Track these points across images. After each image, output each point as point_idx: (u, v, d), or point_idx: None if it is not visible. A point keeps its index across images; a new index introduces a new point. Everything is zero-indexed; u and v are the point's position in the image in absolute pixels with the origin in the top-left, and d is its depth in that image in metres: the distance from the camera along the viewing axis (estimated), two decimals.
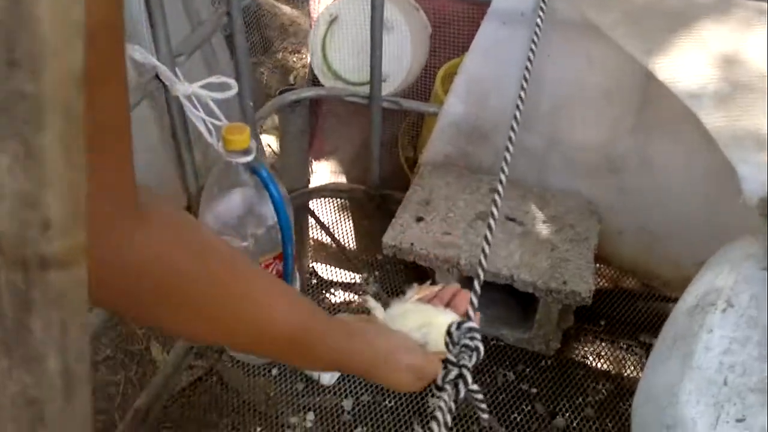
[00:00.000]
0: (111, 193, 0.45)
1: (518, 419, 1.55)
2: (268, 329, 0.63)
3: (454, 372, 0.76)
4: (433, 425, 0.65)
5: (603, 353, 1.70)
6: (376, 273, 1.90)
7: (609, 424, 1.54)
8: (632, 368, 1.68)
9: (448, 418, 0.69)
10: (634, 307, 1.83)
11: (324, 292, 1.84)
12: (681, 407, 0.98)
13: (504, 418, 1.54)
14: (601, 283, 1.88)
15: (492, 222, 1.10)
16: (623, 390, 1.63)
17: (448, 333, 0.85)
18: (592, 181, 1.74)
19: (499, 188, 1.16)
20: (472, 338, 0.83)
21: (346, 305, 1.78)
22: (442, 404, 0.71)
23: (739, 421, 0.95)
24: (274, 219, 1.29)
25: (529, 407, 1.57)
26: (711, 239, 1.26)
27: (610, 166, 1.70)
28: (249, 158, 1.23)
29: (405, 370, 0.77)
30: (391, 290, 1.86)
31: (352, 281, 1.89)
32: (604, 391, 1.62)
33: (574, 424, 1.54)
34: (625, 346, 1.72)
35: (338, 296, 1.82)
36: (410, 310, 0.85)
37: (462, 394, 0.75)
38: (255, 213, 1.32)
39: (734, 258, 1.13)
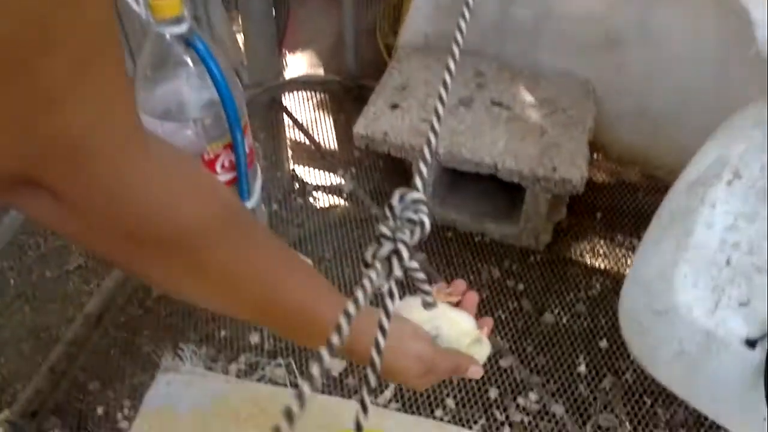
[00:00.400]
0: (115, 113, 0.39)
1: (503, 317, 1.44)
2: (274, 303, 0.59)
3: (388, 247, 0.62)
4: (349, 305, 0.52)
5: (598, 249, 1.57)
6: (352, 170, 1.76)
7: (602, 320, 1.43)
8: (631, 265, 1.56)
9: (362, 297, 0.56)
10: (634, 199, 1.68)
11: (307, 196, 1.71)
12: (674, 292, 0.85)
13: (488, 316, 1.43)
14: (598, 175, 1.73)
15: (439, 106, 0.93)
16: (620, 286, 1.51)
17: (389, 206, 0.70)
18: (587, 59, 1.56)
19: (451, 65, 0.99)
20: (417, 210, 0.69)
21: (332, 209, 1.65)
22: (366, 282, 0.58)
23: (742, 305, 0.83)
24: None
25: (515, 304, 1.46)
26: (721, 119, 1.10)
27: (608, 40, 1.51)
28: (182, 28, 1.06)
29: (414, 358, 0.71)
30: (368, 188, 1.72)
31: (337, 183, 1.75)
32: (597, 286, 1.50)
33: (564, 321, 1.43)
34: (623, 242, 1.59)
35: (321, 200, 1.69)
36: (419, 305, 0.78)
37: (397, 272, 0.62)
38: (198, 95, 1.16)
39: (743, 125, 0.97)
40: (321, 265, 1.55)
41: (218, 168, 1.26)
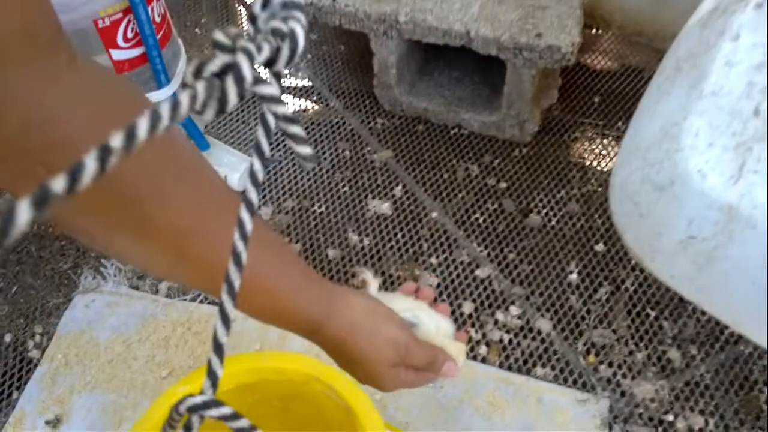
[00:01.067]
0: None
1: (482, 220, 1.21)
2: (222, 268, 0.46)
3: (220, 60, 0.38)
4: (162, 110, 0.31)
5: (595, 139, 1.33)
6: (309, 56, 1.51)
7: (598, 221, 1.20)
8: None
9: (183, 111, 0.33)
10: (637, 81, 1.42)
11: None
12: (683, 156, 0.62)
13: (463, 220, 1.21)
14: (595, 54, 1.47)
15: None
16: None
17: (250, 16, 0.46)
18: None
19: None
20: (286, 18, 0.45)
21: (306, 114, 1.40)
22: (184, 98, 0.35)
23: None
24: None
25: (495, 205, 1.23)
26: None
27: None
28: None
29: (388, 341, 0.62)
30: (324, 76, 1.47)
31: (302, 83, 1.50)
32: (593, 182, 1.26)
33: (553, 222, 1.21)
34: (624, 130, 1.34)
35: (294, 105, 1.44)
36: (399, 296, 0.73)
37: (231, 97, 0.38)
38: None
39: None
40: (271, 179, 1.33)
41: (120, 40, 1.02)
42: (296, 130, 0.43)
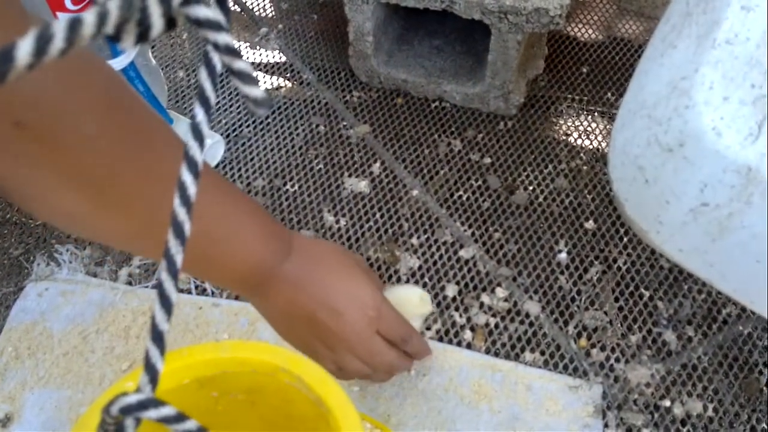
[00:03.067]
0: None
1: (465, 197, 1.14)
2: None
3: None
4: (54, 29, 0.22)
5: (584, 110, 1.26)
6: (280, 26, 1.42)
7: (588, 197, 1.14)
8: None
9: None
10: (630, 49, 1.36)
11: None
12: (694, 113, 0.55)
13: (445, 198, 1.14)
14: (585, 22, 1.40)
15: None
16: None
17: None
18: None
19: None
20: None
21: (277, 88, 1.31)
22: (90, 16, 0.27)
23: None
24: None
25: (479, 182, 1.16)
26: None
27: None
28: None
29: (357, 295, 0.54)
30: (297, 48, 1.39)
31: (259, 41, 1.40)
32: (583, 156, 1.20)
33: (540, 199, 1.14)
34: (615, 102, 1.27)
35: (264, 79, 1.35)
36: None
37: (155, 14, 0.30)
38: None
39: None
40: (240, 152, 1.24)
41: (68, 2, 0.93)
42: (242, 65, 0.35)
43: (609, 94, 1.28)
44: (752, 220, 0.54)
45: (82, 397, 0.97)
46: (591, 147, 1.21)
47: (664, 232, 0.60)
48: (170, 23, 0.33)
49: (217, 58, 0.36)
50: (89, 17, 0.29)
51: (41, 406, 0.96)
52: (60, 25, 0.27)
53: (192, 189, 0.40)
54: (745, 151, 0.52)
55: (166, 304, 0.39)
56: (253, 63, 1.38)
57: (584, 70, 1.31)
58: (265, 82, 1.34)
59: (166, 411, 0.39)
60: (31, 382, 0.98)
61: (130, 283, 1.07)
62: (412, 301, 0.83)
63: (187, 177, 0.39)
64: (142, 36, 0.32)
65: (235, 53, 0.35)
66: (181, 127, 1.19)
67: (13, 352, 1.01)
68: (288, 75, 1.35)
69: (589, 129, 1.23)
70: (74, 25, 0.28)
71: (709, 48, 0.56)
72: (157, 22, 0.31)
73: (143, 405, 0.38)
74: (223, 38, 0.34)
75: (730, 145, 0.53)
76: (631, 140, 0.61)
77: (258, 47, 1.40)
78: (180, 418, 0.40)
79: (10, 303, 1.06)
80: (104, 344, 1.02)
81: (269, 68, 1.37)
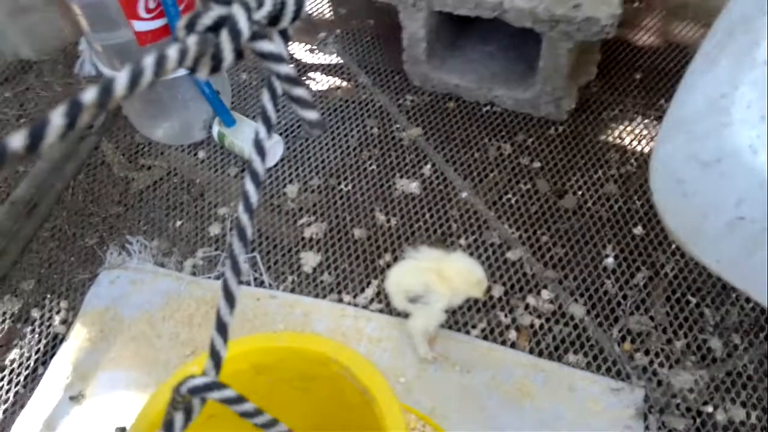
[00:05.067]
0: None
1: (514, 201, 1.17)
2: None
3: (216, 12, 0.35)
4: (144, 64, 0.28)
5: (635, 117, 1.26)
6: (337, 31, 1.47)
7: (637, 203, 1.15)
8: None
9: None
10: (682, 57, 1.35)
11: (304, 77, 1.42)
12: (732, 130, 0.57)
13: (494, 201, 1.17)
14: (638, 29, 1.40)
15: None
16: None
17: None
18: None
19: None
20: None
21: (334, 90, 1.37)
22: (173, 52, 0.33)
23: None
24: None
25: (529, 185, 1.19)
26: None
27: None
28: None
29: None
30: (353, 52, 1.43)
31: (319, 46, 1.46)
32: (633, 162, 1.20)
33: (589, 204, 1.15)
34: (667, 107, 1.27)
35: (321, 82, 1.40)
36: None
37: (227, 55, 0.35)
38: None
39: None
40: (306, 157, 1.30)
41: (141, 11, 1.00)
42: (300, 92, 0.40)
43: (662, 101, 1.28)
44: None
45: (148, 379, 1.04)
46: (642, 153, 1.21)
47: (702, 243, 0.63)
48: (239, 55, 0.38)
49: (278, 84, 0.41)
50: (172, 53, 0.34)
51: (112, 385, 1.04)
52: (149, 60, 0.33)
53: (254, 198, 0.45)
54: None
55: (230, 299, 0.45)
56: (311, 65, 1.43)
57: (637, 76, 1.32)
58: (322, 84, 1.39)
59: (228, 393, 0.44)
60: (103, 363, 1.07)
61: (194, 274, 1.15)
62: (471, 278, 0.92)
63: (250, 187, 0.45)
64: (215, 68, 0.37)
65: (295, 81, 0.40)
66: (243, 126, 1.26)
67: (88, 335, 1.10)
68: (344, 77, 1.40)
69: (640, 135, 1.24)
70: (160, 61, 0.33)
71: (748, 67, 0.58)
72: (228, 56, 0.36)
73: (208, 387, 0.44)
74: (284, 69, 0.39)
75: (766, 162, 0.55)
76: (672, 155, 0.63)
77: (317, 51, 1.46)
78: (240, 400, 0.45)
79: (85, 289, 1.14)
80: (170, 330, 1.09)
81: (327, 70, 1.42)
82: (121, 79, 0.31)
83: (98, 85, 0.29)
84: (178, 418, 0.43)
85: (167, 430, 0.42)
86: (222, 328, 0.43)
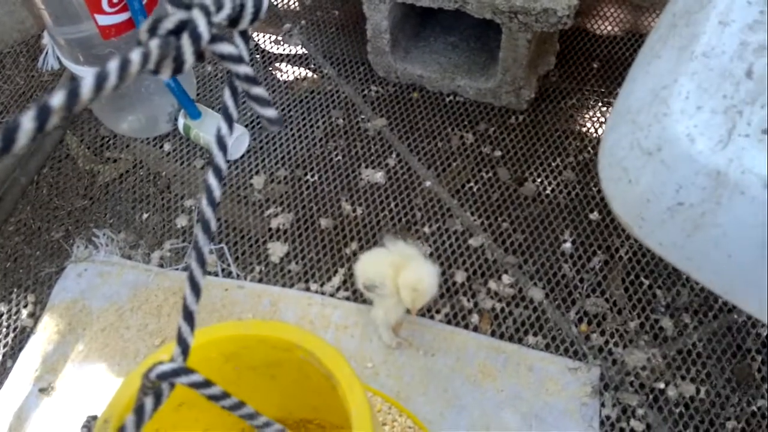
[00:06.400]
0: None
1: (476, 189, 1.20)
2: None
3: (177, 16, 0.37)
4: (109, 68, 0.30)
5: (593, 106, 1.30)
6: (302, 22, 1.48)
7: (594, 189, 1.19)
8: None
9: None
10: (640, 45, 1.39)
11: (270, 68, 1.43)
12: (671, 120, 0.60)
13: (457, 189, 1.20)
14: (596, 18, 1.43)
15: None
16: None
17: None
18: None
19: None
20: None
21: (299, 81, 1.38)
22: (136, 56, 0.34)
23: (765, 132, 0.58)
24: None
25: (490, 174, 1.22)
26: None
27: None
28: None
29: None
30: (318, 43, 1.45)
31: (283, 37, 1.47)
32: (590, 149, 1.25)
33: (548, 191, 1.19)
34: None
35: (287, 73, 1.41)
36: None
37: (187, 57, 0.37)
38: None
39: None
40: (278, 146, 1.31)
41: (105, 5, 1.00)
42: (259, 91, 0.42)
43: (619, 89, 1.32)
44: (722, 219, 0.59)
45: (118, 369, 1.06)
46: (599, 140, 1.25)
47: (646, 228, 0.66)
48: (200, 57, 0.40)
49: (237, 83, 0.43)
50: (135, 57, 0.36)
51: (82, 377, 1.05)
52: (113, 65, 0.34)
53: (217, 192, 0.47)
54: (715, 156, 0.58)
55: (195, 288, 0.47)
56: (276, 56, 1.44)
57: (595, 65, 1.36)
58: (287, 75, 1.41)
59: (195, 378, 0.46)
60: (72, 355, 1.07)
61: (161, 266, 1.16)
62: (412, 294, 0.92)
63: (213, 181, 0.47)
64: (177, 69, 0.39)
65: (253, 81, 0.42)
66: (209, 119, 1.26)
67: (56, 328, 1.10)
68: (309, 68, 1.41)
69: (598, 123, 1.28)
70: (124, 65, 0.35)
71: (687, 60, 0.61)
72: (189, 58, 0.38)
73: (176, 372, 0.46)
74: (243, 69, 0.41)
75: (702, 150, 0.58)
76: (617, 143, 0.67)
77: (281, 42, 1.47)
78: (207, 384, 0.47)
79: (53, 282, 1.15)
80: (138, 321, 1.10)
81: (292, 61, 1.43)
82: (87, 83, 0.33)
83: (65, 89, 0.30)
84: (148, 402, 0.45)
85: (138, 414, 0.44)
86: (188, 316, 0.45)
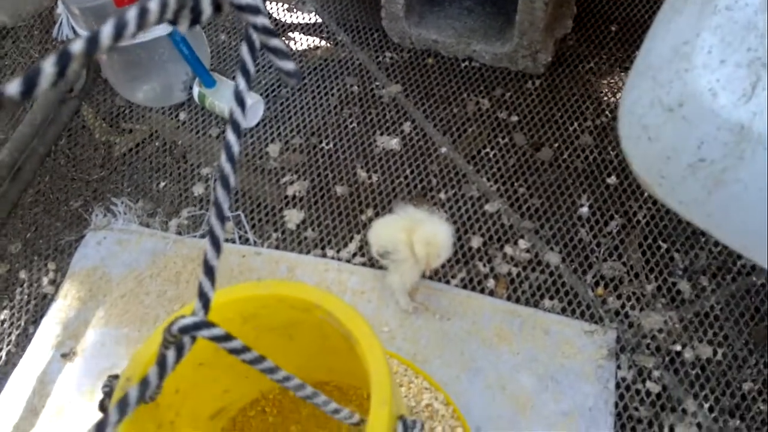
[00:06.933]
0: None
1: (492, 154, 1.19)
2: None
3: None
4: (128, 17, 0.30)
5: (611, 69, 1.28)
6: None
7: (611, 153, 1.18)
8: None
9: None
10: (658, 7, 1.36)
11: (283, 37, 1.42)
12: (694, 74, 0.59)
13: (473, 155, 1.19)
14: None
15: None
16: None
17: None
18: None
19: None
20: None
21: (313, 50, 1.37)
22: (154, 5, 0.34)
23: None
24: None
25: (506, 139, 1.21)
26: None
27: None
28: None
29: None
30: (332, 10, 1.43)
31: (309, 18, 1.46)
32: (608, 113, 1.23)
33: (565, 156, 1.18)
34: None
35: (300, 41, 1.40)
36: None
37: (206, 1, 0.37)
38: None
39: None
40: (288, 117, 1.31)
41: None
42: (277, 42, 0.41)
43: (636, 52, 1.30)
44: (744, 174, 0.59)
45: (138, 335, 1.07)
46: (616, 104, 1.24)
47: (666, 186, 0.65)
48: (217, 8, 0.40)
49: (255, 36, 0.43)
50: (153, 6, 0.36)
51: (102, 342, 1.07)
52: (131, 13, 0.34)
53: (236, 147, 0.47)
54: (738, 110, 0.57)
55: (216, 244, 0.47)
56: (289, 25, 1.43)
57: (613, 28, 1.33)
58: (301, 44, 1.40)
59: (217, 331, 0.47)
60: (93, 321, 1.09)
61: (179, 233, 1.17)
62: (432, 249, 0.92)
63: (232, 137, 0.47)
64: (195, 20, 0.39)
65: (271, 32, 0.41)
66: (223, 87, 1.26)
67: (76, 295, 1.12)
68: (323, 36, 1.40)
69: (615, 87, 1.26)
70: (142, 14, 0.35)
71: (710, 14, 0.60)
72: (207, 8, 0.38)
73: (198, 326, 0.46)
74: (261, 20, 0.41)
75: (725, 105, 0.57)
76: (638, 101, 0.66)
77: (295, 9, 1.45)
78: (228, 337, 0.48)
79: (72, 250, 1.16)
80: (157, 288, 1.12)
81: (305, 30, 1.42)
82: (107, 30, 0.33)
83: (85, 37, 0.30)
84: (170, 355, 0.45)
85: (161, 365, 0.45)
86: (209, 272, 0.45)
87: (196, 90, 1.27)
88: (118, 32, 0.33)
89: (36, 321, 1.09)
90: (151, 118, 1.32)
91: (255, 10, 0.39)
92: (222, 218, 0.47)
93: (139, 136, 1.30)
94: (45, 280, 1.14)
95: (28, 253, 1.17)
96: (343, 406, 0.58)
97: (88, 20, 1.13)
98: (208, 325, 0.46)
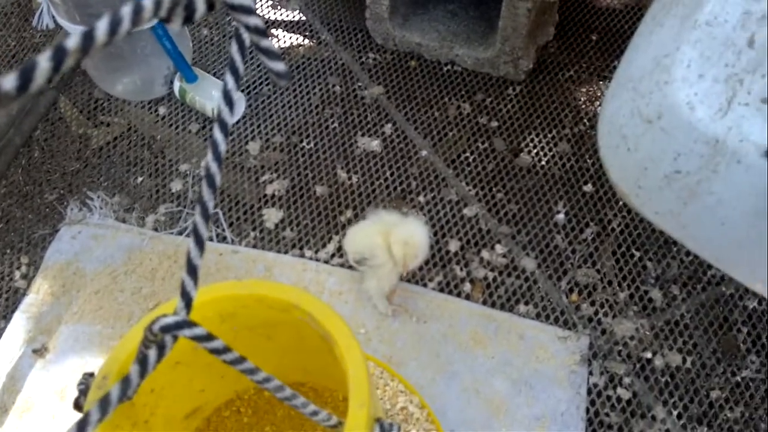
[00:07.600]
0: None
1: (470, 159, 1.20)
2: None
3: None
4: (122, 13, 0.29)
5: (590, 78, 1.30)
6: None
7: (588, 161, 1.19)
8: None
9: None
10: (639, 17, 1.39)
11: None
12: (672, 88, 0.61)
13: (452, 159, 1.20)
14: None
15: None
16: None
17: None
18: None
19: None
20: None
21: (296, 48, 1.36)
22: (148, 2, 0.34)
23: (765, 101, 0.58)
24: None
25: (486, 144, 1.22)
26: None
27: None
28: None
29: None
30: (316, 9, 1.43)
31: (293, 16, 1.45)
32: (586, 122, 1.25)
33: (543, 162, 1.20)
34: None
35: (284, 39, 1.39)
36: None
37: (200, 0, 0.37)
38: None
39: None
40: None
41: None
42: (268, 43, 0.42)
43: (616, 62, 1.32)
44: (718, 187, 0.60)
45: (112, 331, 1.06)
46: (595, 113, 1.26)
47: (643, 196, 0.67)
48: (210, 7, 0.40)
49: (246, 35, 0.43)
50: (148, 3, 0.36)
51: (75, 338, 1.05)
52: (126, 10, 0.34)
53: (222, 146, 0.47)
54: (714, 124, 0.58)
55: (200, 243, 0.47)
56: (273, 21, 1.43)
57: (594, 37, 1.35)
58: (284, 41, 1.39)
59: (198, 331, 0.47)
60: (66, 317, 1.08)
61: (156, 230, 1.16)
62: (410, 250, 0.93)
63: (219, 135, 0.47)
64: (188, 18, 0.39)
65: (262, 33, 0.41)
66: (205, 82, 1.25)
67: (49, 290, 1.10)
68: (307, 35, 1.40)
69: (594, 96, 1.28)
70: (137, 10, 0.35)
71: (690, 28, 0.61)
72: (200, 6, 0.38)
73: (179, 325, 0.46)
74: (253, 20, 0.41)
75: (702, 118, 0.59)
76: (618, 111, 0.67)
77: (279, 6, 1.45)
78: (209, 337, 0.48)
79: (46, 244, 1.14)
80: (132, 284, 1.10)
81: (289, 27, 1.42)
82: (102, 26, 0.33)
83: (80, 32, 0.30)
84: (152, 353, 0.45)
85: (142, 364, 0.45)
86: (192, 270, 0.45)
87: (177, 85, 1.26)
88: (113, 28, 0.33)
89: (7, 316, 1.07)
90: (130, 111, 1.30)
91: (248, 10, 0.39)
92: (207, 217, 0.46)
93: (117, 130, 1.28)
94: (17, 274, 1.12)
95: (0, 246, 1.15)
96: (321, 408, 0.58)
97: (69, 10, 1.12)
98: (190, 324, 0.46)
